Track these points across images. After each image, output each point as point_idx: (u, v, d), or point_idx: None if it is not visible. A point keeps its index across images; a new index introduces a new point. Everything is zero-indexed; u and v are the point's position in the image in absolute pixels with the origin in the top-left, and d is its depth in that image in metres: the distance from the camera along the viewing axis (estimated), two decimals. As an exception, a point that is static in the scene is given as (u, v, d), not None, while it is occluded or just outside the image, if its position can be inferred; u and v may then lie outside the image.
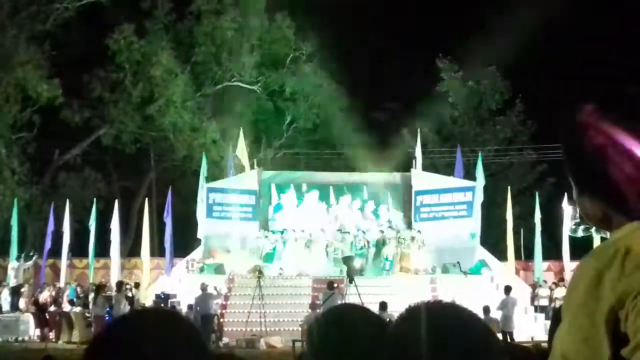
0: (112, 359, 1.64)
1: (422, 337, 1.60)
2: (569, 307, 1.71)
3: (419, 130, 36.98)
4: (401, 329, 1.68)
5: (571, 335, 1.68)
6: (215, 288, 25.32)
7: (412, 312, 1.69)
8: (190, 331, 1.72)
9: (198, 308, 23.44)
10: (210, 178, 33.92)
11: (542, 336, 24.02)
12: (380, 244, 30.52)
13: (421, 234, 30.33)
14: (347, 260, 25.36)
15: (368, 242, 30.68)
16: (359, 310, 2.19)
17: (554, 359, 1.70)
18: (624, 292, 1.61)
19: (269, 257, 30.44)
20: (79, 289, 29.32)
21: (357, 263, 26.60)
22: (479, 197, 31.09)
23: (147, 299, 27.86)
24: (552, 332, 1.85)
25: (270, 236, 31.13)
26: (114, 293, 25.56)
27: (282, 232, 31.21)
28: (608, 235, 1.82)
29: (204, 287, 24.22)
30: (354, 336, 2.02)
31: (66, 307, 27.72)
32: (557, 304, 28.31)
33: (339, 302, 20.80)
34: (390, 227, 31.48)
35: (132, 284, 28.76)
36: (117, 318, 1.82)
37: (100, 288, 26.09)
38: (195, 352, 1.69)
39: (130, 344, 1.64)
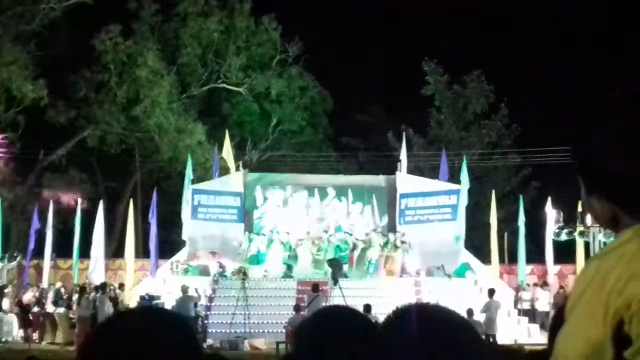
0: (105, 359, 1.65)
1: (410, 339, 1.60)
2: (573, 308, 1.70)
3: (404, 133, 37.08)
4: (389, 331, 1.68)
5: (574, 336, 1.68)
6: (196, 290, 25.27)
7: (400, 314, 1.69)
8: (183, 330, 1.72)
9: (178, 310, 23.23)
10: (196, 179, 33.89)
11: (525, 339, 24.16)
12: (364, 247, 30.54)
13: (406, 237, 30.37)
14: (331, 262, 25.41)
15: (353, 244, 30.69)
16: (347, 312, 2.18)
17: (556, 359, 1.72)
18: (630, 295, 1.60)
19: (253, 259, 30.42)
20: (62, 290, 29.20)
21: (341, 265, 26.64)
22: (464, 200, 31.14)
23: (131, 300, 27.78)
24: (553, 332, 1.85)
25: (255, 238, 31.11)
26: (98, 294, 25.46)
27: (264, 234, 31.20)
28: (591, 239, 1.84)
29: (184, 289, 24.18)
30: (342, 338, 2.00)
31: (50, 308, 27.61)
32: (538, 305, 28.57)
33: (324, 304, 20.84)
34: (374, 229, 31.52)
35: (117, 285, 28.68)
36: (109, 317, 1.81)
37: (84, 289, 26.01)
38: (188, 352, 1.69)
39: (123, 343, 1.64)
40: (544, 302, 28.50)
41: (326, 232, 31.19)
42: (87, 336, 1.74)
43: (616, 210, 1.77)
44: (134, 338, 1.65)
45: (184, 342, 1.70)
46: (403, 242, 30.05)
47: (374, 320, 2.27)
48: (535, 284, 30.23)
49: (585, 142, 1.81)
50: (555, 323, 1.84)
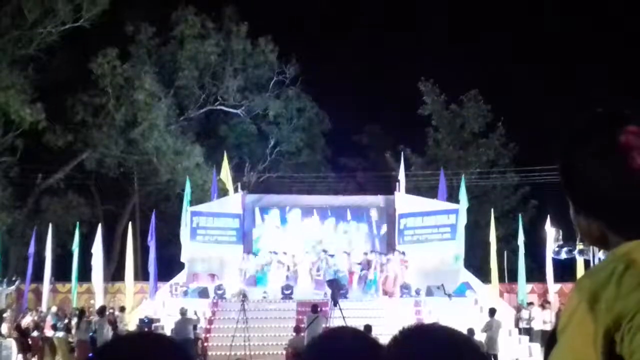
0: None
1: (419, 358, 1.59)
2: (565, 327, 1.69)
3: (402, 152, 37.15)
4: (396, 352, 1.67)
5: (566, 356, 1.67)
6: (195, 312, 25.19)
7: (407, 335, 1.68)
8: (181, 356, 1.71)
9: (177, 333, 23.13)
10: (194, 201, 33.86)
11: (526, 358, 24.08)
12: (364, 267, 30.50)
13: (405, 257, 30.34)
14: (331, 283, 25.34)
15: (352, 265, 30.66)
16: (353, 333, 2.14)
17: None
18: (620, 314, 1.59)
19: (252, 281, 30.38)
20: (59, 313, 29.10)
21: (341, 286, 26.57)
22: (463, 219, 31.12)
23: (130, 323, 27.68)
24: (547, 352, 1.84)
25: (253, 259, 31.07)
26: (96, 318, 25.35)
27: (263, 256, 31.18)
28: (591, 257, 1.83)
29: (183, 312, 24.09)
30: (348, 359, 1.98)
31: (49, 332, 27.49)
32: (534, 324, 28.44)
33: (323, 325, 20.79)
34: (373, 250, 31.50)
35: (118, 308, 28.58)
36: (107, 342, 1.81)
37: (83, 313, 25.91)
38: None
39: None
40: (539, 321, 28.34)
41: (325, 252, 31.15)
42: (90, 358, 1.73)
43: (604, 228, 1.77)
44: None
45: None
46: (397, 261, 30.01)
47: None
48: (530, 303, 30.10)
49: (570, 162, 1.81)
50: (549, 343, 1.83)
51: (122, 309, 28.39)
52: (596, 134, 1.79)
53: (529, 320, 28.68)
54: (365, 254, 30.99)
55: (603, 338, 1.61)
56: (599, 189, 1.74)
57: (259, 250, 31.89)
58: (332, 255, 30.87)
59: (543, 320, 28.13)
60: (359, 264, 30.66)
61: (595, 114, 1.83)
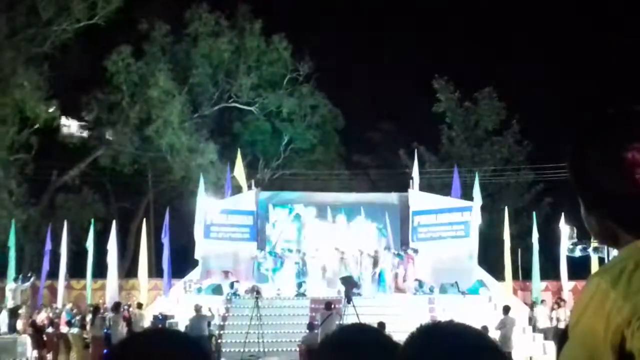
0: None
1: (436, 357, 1.59)
2: (575, 325, 1.70)
3: (416, 150, 37.09)
4: (413, 349, 1.66)
5: (576, 353, 1.68)
6: (209, 309, 25.23)
7: (423, 332, 1.68)
8: (197, 352, 1.73)
9: (191, 330, 23.20)
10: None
11: (540, 356, 24.03)
12: (377, 264, 30.50)
13: (418, 254, 30.32)
14: (344, 280, 25.34)
15: (366, 262, 30.66)
16: (369, 330, 2.13)
17: None
18: (630, 311, 1.60)
19: (266, 278, 30.43)
20: (74, 310, 29.25)
21: (354, 283, 26.57)
22: (477, 217, 31.05)
23: (144, 319, 27.76)
24: (559, 352, 1.85)
25: (267, 256, 31.11)
26: (111, 314, 25.43)
27: (276, 254, 31.21)
28: (606, 254, 1.84)
29: (197, 308, 24.12)
30: (364, 356, 1.97)
31: (64, 328, 27.62)
32: (558, 324, 28.24)
33: (337, 322, 20.81)
34: (387, 247, 31.49)
35: (135, 305, 28.65)
36: (123, 339, 1.82)
37: (97, 309, 25.99)
38: None
39: None
40: (544, 319, 28.05)
41: (338, 250, 31.17)
42: (105, 354, 1.74)
43: (615, 228, 1.78)
44: (151, 359, 1.65)
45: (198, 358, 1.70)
46: (410, 258, 29.99)
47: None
48: (533, 302, 29.93)
49: (580, 161, 1.82)
50: (562, 340, 1.84)
51: (140, 306, 28.41)
52: (606, 133, 1.79)
53: (551, 319, 28.34)
54: (376, 251, 31.00)
55: (613, 335, 1.61)
56: (607, 189, 1.74)
57: (272, 246, 31.93)
58: (345, 253, 30.89)
59: (557, 317, 27.98)
60: (372, 261, 30.65)
61: (604, 113, 1.83)
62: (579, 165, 1.82)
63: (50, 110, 37.73)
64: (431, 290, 29.00)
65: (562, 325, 27.98)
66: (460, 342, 1.62)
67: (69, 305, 30.09)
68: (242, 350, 24.62)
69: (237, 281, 29.47)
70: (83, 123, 40.89)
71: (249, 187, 34.06)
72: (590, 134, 1.82)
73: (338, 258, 30.77)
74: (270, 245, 32.04)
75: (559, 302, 29.43)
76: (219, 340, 25.52)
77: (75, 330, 26.84)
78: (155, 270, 36.39)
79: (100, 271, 32.27)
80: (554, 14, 47.65)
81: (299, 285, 29.59)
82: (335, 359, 2.02)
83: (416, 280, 29.57)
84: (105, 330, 24.57)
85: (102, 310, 26.28)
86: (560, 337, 1.89)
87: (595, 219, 1.83)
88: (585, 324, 1.67)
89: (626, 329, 1.60)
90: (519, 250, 33.65)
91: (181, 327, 24.40)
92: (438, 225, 31.37)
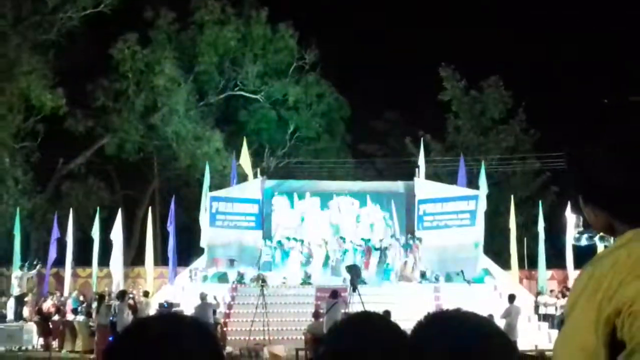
0: None
1: (445, 345, 1.60)
2: (569, 314, 1.73)
3: (422, 138, 37.07)
4: (422, 337, 1.68)
5: (569, 342, 1.70)
6: (214, 297, 25.29)
7: (431, 319, 1.70)
8: (205, 334, 1.74)
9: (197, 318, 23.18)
10: (214, 187, 33.95)
11: (545, 345, 23.99)
12: (383, 253, 30.52)
13: (424, 243, 30.32)
14: (350, 269, 25.36)
15: (371, 250, 30.68)
16: (375, 318, 2.14)
17: None
18: (621, 301, 1.62)
19: (271, 266, 30.47)
20: (81, 298, 29.37)
21: (359, 272, 26.59)
22: (482, 205, 31.02)
23: (150, 307, 27.83)
24: None
25: (273, 245, 31.15)
26: (116, 302, 25.48)
27: (282, 242, 31.25)
28: (612, 242, 1.83)
29: (203, 296, 24.18)
30: (373, 344, 1.97)
31: (70, 316, 27.73)
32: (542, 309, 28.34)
33: (343, 310, 20.83)
34: (393, 235, 31.50)
35: (142, 293, 28.70)
36: (134, 322, 1.83)
37: (102, 297, 26.05)
38: (212, 354, 1.71)
39: (148, 347, 1.65)
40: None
41: (344, 238, 31.21)
42: (112, 340, 1.75)
43: (611, 219, 1.82)
44: (158, 342, 1.66)
45: (207, 345, 1.72)
46: (416, 247, 30.02)
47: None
48: (561, 292, 29.94)
49: (579, 154, 1.86)
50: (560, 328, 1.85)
51: (145, 294, 28.47)
52: (604, 127, 1.83)
53: (557, 308, 28.39)
54: (381, 239, 31.02)
55: (604, 324, 1.65)
56: (606, 181, 1.78)
57: (278, 235, 31.95)
58: (351, 242, 30.91)
59: (562, 306, 27.96)
60: (377, 249, 30.67)
61: (604, 107, 1.85)
62: (578, 158, 1.86)
63: (56, 98, 37.69)
64: (437, 278, 29.03)
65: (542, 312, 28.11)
66: (469, 329, 1.64)
67: (75, 293, 30.21)
68: (247, 338, 24.69)
69: (241, 269, 29.53)
70: (89, 111, 40.83)
71: (255, 176, 34.09)
72: (591, 127, 1.86)
73: (344, 246, 30.78)
74: (275, 233, 32.06)
75: (563, 291, 29.42)
76: (225, 329, 25.58)
77: (81, 318, 26.98)
78: (161, 259, 36.47)
79: (106, 259, 32.36)
80: (560, 2, 47.46)
81: (306, 273, 29.64)
82: (344, 347, 2.02)
83: (420, 270, 29.63)
84: (110, 318, 24.63)
85: (107, 298, 26.33)
86: (559, 325, 1.89)
87: (592, 209, 1.86)
88: (578, 312, 1.70)
89: (617, 318, 1.64)
90: (525, 239, 33.65)
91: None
92: (444, 214, 31.37)
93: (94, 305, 26.51)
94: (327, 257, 30.80)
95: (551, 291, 29.90)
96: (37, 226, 38.29)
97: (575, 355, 1.67)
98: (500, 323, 21.90)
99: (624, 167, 1.75)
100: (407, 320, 2.72)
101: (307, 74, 45.59)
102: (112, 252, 31.71)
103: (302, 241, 31.05)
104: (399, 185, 33.72)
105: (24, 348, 26.99)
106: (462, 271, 28.75)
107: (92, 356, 24.68)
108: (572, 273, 31.31)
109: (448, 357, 1.59)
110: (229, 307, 27.31)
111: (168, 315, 2.03)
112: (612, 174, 1.76)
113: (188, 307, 25.10)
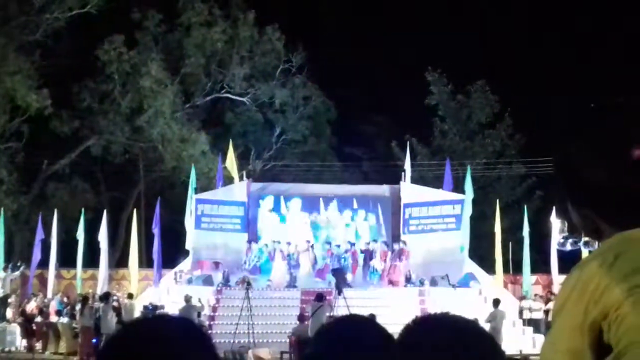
0: None
1: (432, 348, 1.60)
2: (556, 317, 1.72)
3: (408, 142, 37.12)
4: (408, 341, 1.67)
5: (556, 346, 1.69)
6: (199, 300, 25.24)
7: (419, 323, 1.70)
8: (196, 332, 1.73)
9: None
10: (199, 189, 33.91)
11: (530, 349, 24.08)
12: (368, 256, 30.51)
13: (409, 247, 30.33)
14: (335, 272, 25.36)
15: (356, 254, 30.67)
16: (361, 322, 2.14)
17: None
18: (608, 304, 1.61)
19: (257, 269, 30.42)
20: (65, 299, 29.23)
21: (345, 275, 26.59)
22: (468, 210, 31.11)
23: (134, 310, 27.72)
24: None
25: (258, 247, 31.10)
26: (100, 304, 25.36)
27: (267, 245, 31.21)
28: (597, 247, 1.83)
29: (187, 299, 24.17)
30: (359, 347, 1.97)
31: (53, 317, 27.60)
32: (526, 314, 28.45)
33: (328, 314, 20.83)
34: (376, 239, 31.50)
35: (126, 295, 28.59)
36: (128, 322, 1.82)
37: (86, 299, 25.94)
38: (205, 351, 1.70)
39: (142, 350, 1.64)
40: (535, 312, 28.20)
41: (329, 242, 31.22)
42: (105, 343, 1.74)
43: (597, 220, 1.80)
44: (151, 342, 1.65)
45: (200, 342, 1.70)
46: (401, 250, 30.03)
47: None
48: (523, 296, 30.09)
49: (564, 153, 1.85)
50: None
51: (130, 296, 28.36)
52: (589, 126, 1.82)
53: (545, 312, 28.47)
54: (369, 243, 31.03)
55: (591, 328, 1.63)
56: (591, 182, 1.77)
57: (263, 238, 31.91)
58: (338, 246, 30.91)
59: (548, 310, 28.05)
60: (363, 252, 30.67)
61: (589, 106, 1.86)
62: (563, 158, 1.85)
63: (42, 98, 37.54)
64: (422, 282, 29.03)
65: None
66: (457, 332, 1.64)
67: (58, 295, 30.08)
68: (232, 341, 24.61)
69: (226, 272, 29.48)
70: (74, 112, 40.70)
71: (241, 178, 34.07)
72: (576, 127, 1.85)
73: (329, 250, 30.77)
74: (261, 236, 32.02)
75: (549, 296, 29.51)
76: (209, 331, 25.50)
77: (64, 319, 26.85)
78: (146, 261, 36.37)
79: (91, 261, 32.22)
80: (549, 6, 47.67)
81: (291, 277, 29.62)
82: (330, 350, 2.01)
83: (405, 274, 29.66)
84: (94, 321, 24.52)
85: (91, 300, 26.23)
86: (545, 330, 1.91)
87: (578, 212, 1.85)
88: (564, 316, 1.69)
89: (603, 322, 1.62)
90: (510, 243, 33.72)
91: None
92: (429, 218, 31.41)
93: (78, 307, 26.39)
94: (313, 261, 30.76)
95: (535, 295, 30.01)
96: (22, 227, 38.13)
97: (562, 358, 1.66)
98: (485, 327, 21.93)
99: (607, 164, 1.74)
100: (392, 324, 2.71)
101: (294, 77, 45.64)
102: (97, 254, 31.61)
103: (287, 244, 31.00)
104: (384, 189, 33.73)
105: (7, 349, 26.83)
106: (447, 275, 28.76)
107: (75, 358, 24.57)
108: (557, 278, 31.41)
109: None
110: (214, 309, 27.25)
111: (160, 315, 2.02)
112: (595, 171, 1.75)
113: (172, 310, 25.01)
